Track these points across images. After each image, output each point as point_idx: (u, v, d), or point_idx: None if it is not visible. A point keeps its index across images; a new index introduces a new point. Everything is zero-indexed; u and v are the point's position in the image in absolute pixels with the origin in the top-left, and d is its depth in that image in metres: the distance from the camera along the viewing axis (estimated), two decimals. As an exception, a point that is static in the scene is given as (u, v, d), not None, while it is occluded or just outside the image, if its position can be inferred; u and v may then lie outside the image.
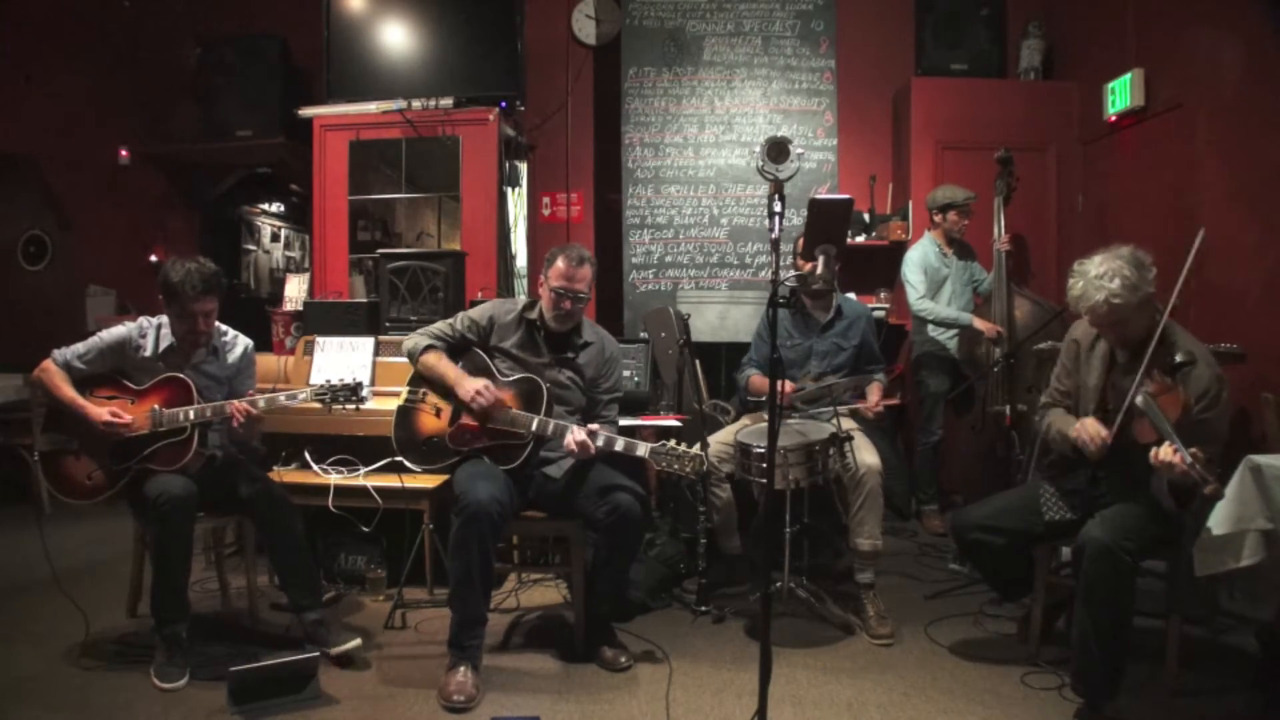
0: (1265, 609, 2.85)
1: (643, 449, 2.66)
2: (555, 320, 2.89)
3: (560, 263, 2.84)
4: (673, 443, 2.65)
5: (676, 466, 2.62)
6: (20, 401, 4.46)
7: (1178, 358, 2.35)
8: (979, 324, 4.14)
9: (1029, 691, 2.58)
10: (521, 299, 3.08)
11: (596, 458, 2.74)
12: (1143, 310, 2.40)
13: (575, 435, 2.67)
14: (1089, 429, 2.46)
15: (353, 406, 2.87)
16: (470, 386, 2.76)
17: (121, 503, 2.79)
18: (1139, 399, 2.26)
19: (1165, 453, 2.15)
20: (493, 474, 2.71)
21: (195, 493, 2.68)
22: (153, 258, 5.98)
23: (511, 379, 2.87)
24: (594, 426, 2.72)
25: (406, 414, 2.92)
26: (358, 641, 2.78)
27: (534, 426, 2.73)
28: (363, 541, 3.43)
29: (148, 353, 2.83)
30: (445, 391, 2.87)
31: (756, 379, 3.49)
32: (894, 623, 3.04)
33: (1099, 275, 2.36)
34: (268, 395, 2.84)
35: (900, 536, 4.28)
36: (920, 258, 4.39)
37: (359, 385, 2.85)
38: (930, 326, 4.39)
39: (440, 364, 2.87)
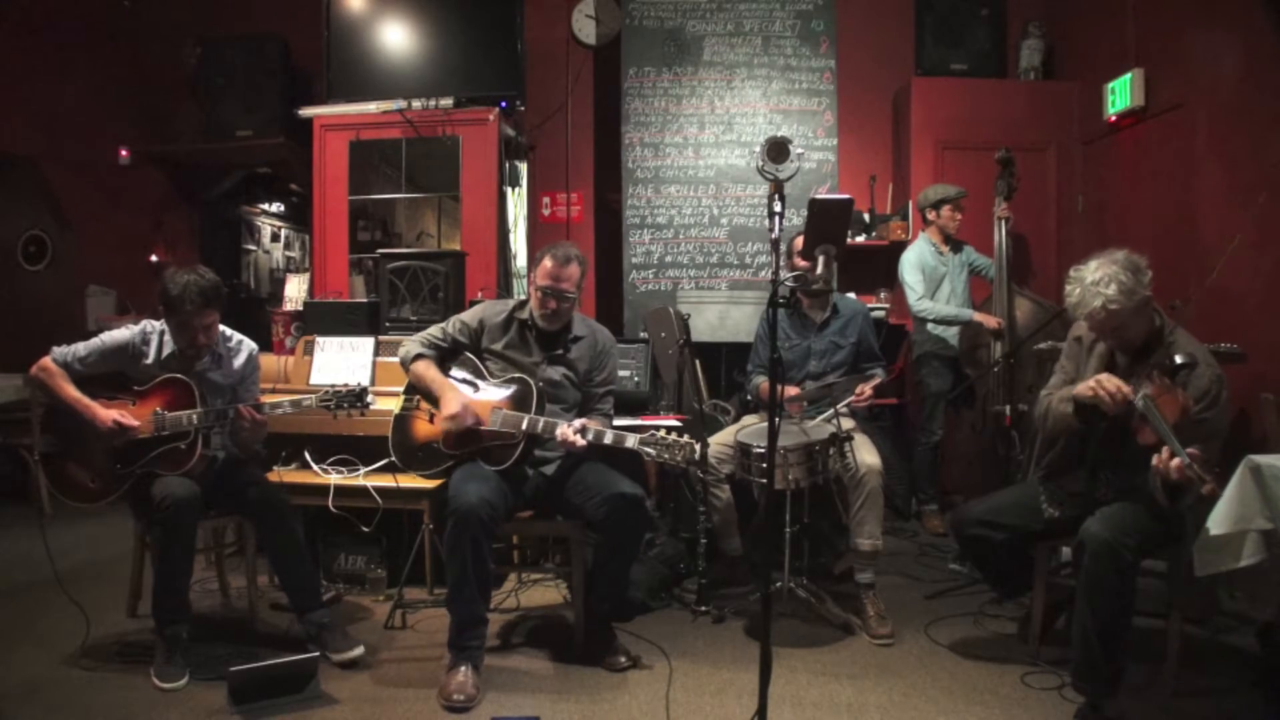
0: (1265, 609, 2.85)
1: (632, 440, 2.65)
2: (543, 320, 2.89)
3: (547, 262, 2.84)
4: (662, 432, 2.64)
5: (667, 455, 2.60)
6: (20, 401, 4.46)
7: (1178, 359, 2.35)
8: (979, 317, 4.15)
9: (1029, 691, 2.58)
10: (512, 299, 3.07)
11: (589, 451, 2.73)
12: (1140, 314, 2.41)
13: (564, 430, 2.67)
14: (1108, 383, 2.33)
15: (359, 413, 2.88)
16: (446, 408, 2.76)
17: (122, 503, 2.79)
18: (1139, 401, 2.27)
19: (1165, 459, 2.17)
20: (485, 475, 2.70)
21: (199, 495, 2.68)
22: (153, 257, 5.98)
23: (503, 380, 2.87)
24: (581, 421, 2.71)
25: (402, 421, 2.93)
26: (361, 650, 2.77)
27: (524, 426, 2.73)
28: (362, 542, 3.43)
29: (149, 360, 2.81)
30: (434, 401, 2.87)
31: (766, 386, 3.48)
32: (894, 623, 3.03)
33: (1095, 281, 2.36)
34: (274, 402, 2.84)
35: (900, 536, 4.28)
36: (916, 258, 4.39)
37: (364, 391, 2.85)
38: (931, 325, 4.40)
39: (428, 374, 2.88)
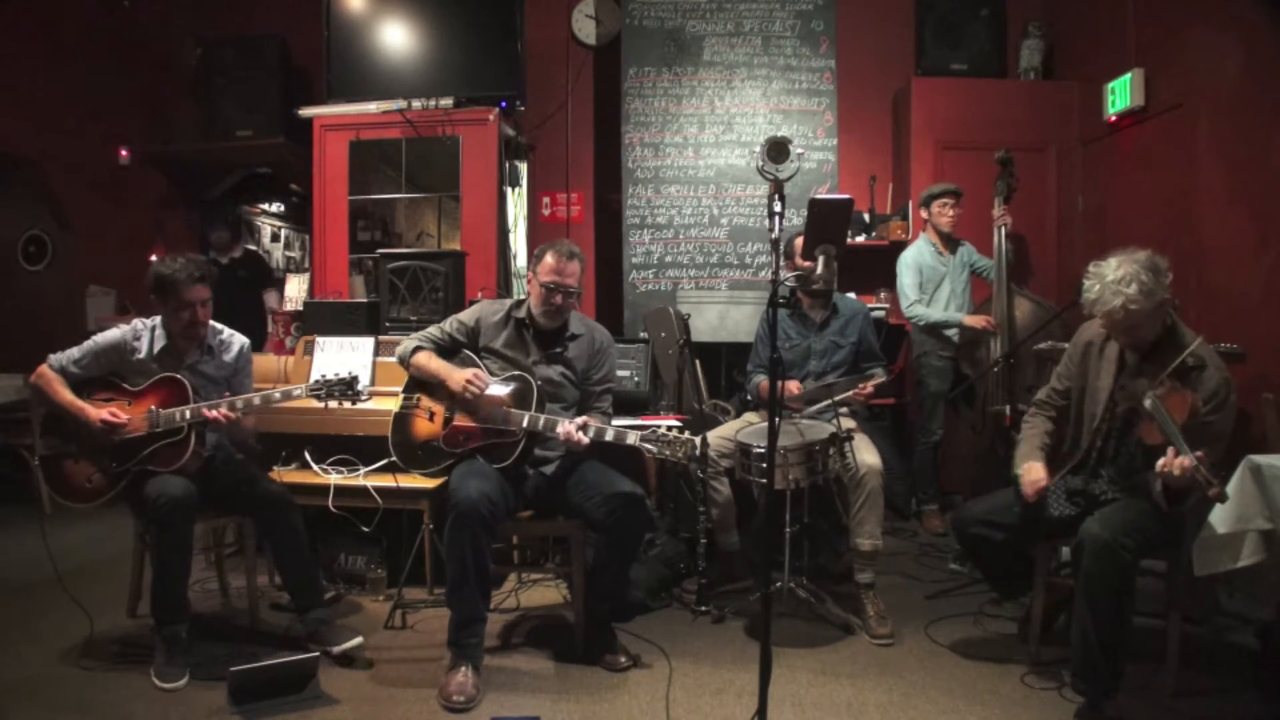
0: (1265, 609, 2.85)
1: (632, 437, 2.65)
2: (545, 316, 2.89)
3: (549, 258, 2.85)
4: (663, 428, 2.64)
5: (668, 452, 2.60)
6: (20, 401, 4.47)
7: (1188, 360, 2.35)
8: (969, 320, 4.16)
9: (1029, 691, 2.58)
10: (510, 299, 3.08)
11: (589, 449, 2.74)
12: (1155, 315, 2.40)
13: (566, 428, 2.67)
14: (1030, 475, 2.58)
15: (350, 402, 2.87)
16: (460, 377, 2.78)
17: (122, 503, 2.79)
18: (1147, 402, 2.26)
19: (1172, 459, 2.16)
20: (485, 472, 2.71)
21: (195, 493, 2.68)
22: (153, 258, 5.96)
23: (502, 378, 2.87)
24: (583, 419, 2.72)
25: (402, 420, 2.93)
26: (359, 640, 2.78)
27: (525, 423, 2.73)
28: (363, 542, 3.43)
29: (142, 355, 2.82)
30: (439, 389, 2.87)
31: (766, 385, 3.48)
32: (894, 623, 3.04)
33: (1117, 280, 2.35)
34: (264, 394, 2.84)
35: (900, 536, 4.28)
36: (914, 258, 4.40)
37: (355, 379, 2.85)
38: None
39: (431, 362, 2.88)
